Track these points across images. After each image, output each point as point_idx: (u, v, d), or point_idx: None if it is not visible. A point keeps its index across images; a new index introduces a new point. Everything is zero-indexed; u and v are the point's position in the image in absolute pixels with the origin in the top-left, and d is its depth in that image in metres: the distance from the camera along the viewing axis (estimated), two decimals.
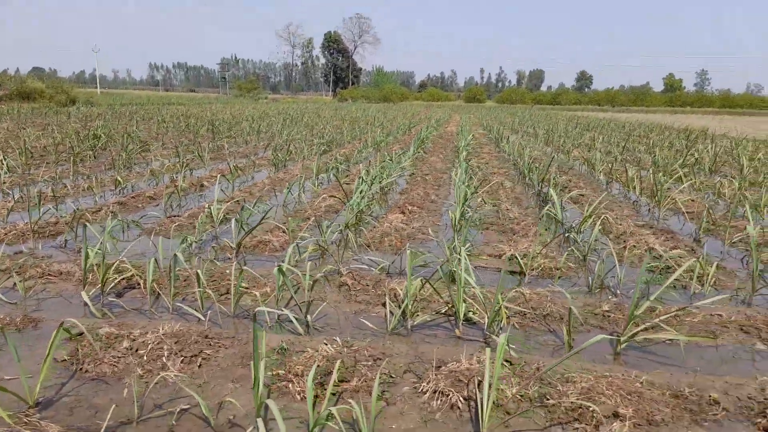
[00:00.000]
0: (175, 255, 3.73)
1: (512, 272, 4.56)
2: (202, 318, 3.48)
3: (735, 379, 2.84)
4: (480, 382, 2.61)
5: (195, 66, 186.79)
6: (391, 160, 9.92)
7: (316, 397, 2.55)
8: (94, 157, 10.86)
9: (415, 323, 3.49)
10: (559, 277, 4.45)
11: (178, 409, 2.46)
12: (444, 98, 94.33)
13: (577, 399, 2.52)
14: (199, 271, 3.68)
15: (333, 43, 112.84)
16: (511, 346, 3.16)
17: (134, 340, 3.02)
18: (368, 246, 5.17)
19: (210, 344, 3.05)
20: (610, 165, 10.45)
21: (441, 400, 2.57)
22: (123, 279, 4.01)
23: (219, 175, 7.86)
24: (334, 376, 2.45)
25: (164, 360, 2.85)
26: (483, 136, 19.38)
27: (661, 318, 3.41)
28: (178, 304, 3.66)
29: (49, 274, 4.17)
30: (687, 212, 6.86)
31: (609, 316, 3.65)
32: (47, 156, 10.68)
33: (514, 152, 12.21)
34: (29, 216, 5.25)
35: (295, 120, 23.77)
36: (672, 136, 20.20)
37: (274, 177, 8.99)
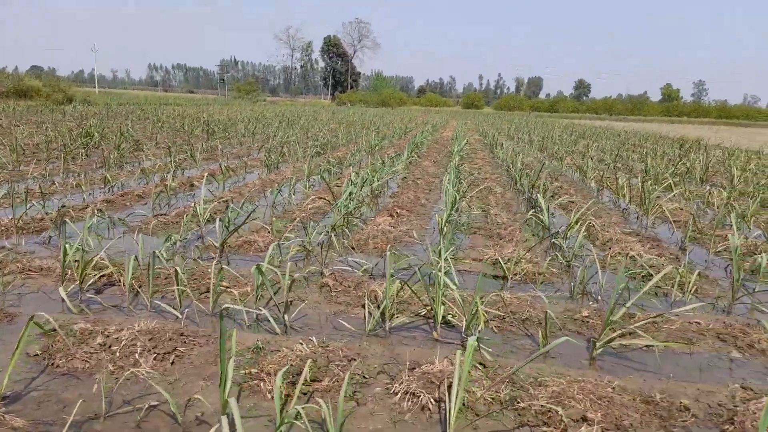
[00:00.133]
0: (154, 252, 3.72)
1: (495, 276, 4.57)
2: (179, 316, 3.47)
3: (707, 386, 2.85)
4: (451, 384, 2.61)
5: (194, 67, 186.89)
6: (382, 163, 9.93)
7: (287, 396, 2.55)
8: (86, 156, 10.83)
9: (394, 325, 3.49)
10: (542, 282, 4.46)
11: (146, 406, 2.45)
12: (442, 104, 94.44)
13: (547, 402, 2.52)
14: (177, 268, 3.67)
15: (332, 47, 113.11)
16: (486, 348, 3.16)
17: (108, 336, 3.01)
18: (353, 248, 5.17)
19: (185, 342, 3.04)
20: (601, 173, 10.49)
21: (412, 401, 2.57)
22: (103, 276, 4.00)
23: (206, 175, 7.84)
24: (305, 376, 2.45)
25: (137, 357, 2.84)
26: (478, 142, 19.43)
27: (638, 324, 3.41)
28: (157, 302, 3.65)
29: (29, 270, 4.15)
30: (675, 221, 6.88)
31: (588, 322, 3.66)
32: (39, 153, 10.65)
33: (508, 158, 12.24)
34: (13, 212, 5.23)
35: (291, 122, 23.78)
36: (666, 146, 20.29)
37: (266, 178, 8.98)
